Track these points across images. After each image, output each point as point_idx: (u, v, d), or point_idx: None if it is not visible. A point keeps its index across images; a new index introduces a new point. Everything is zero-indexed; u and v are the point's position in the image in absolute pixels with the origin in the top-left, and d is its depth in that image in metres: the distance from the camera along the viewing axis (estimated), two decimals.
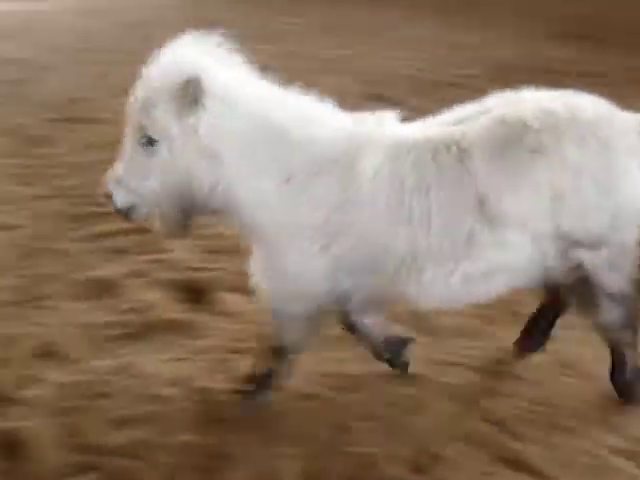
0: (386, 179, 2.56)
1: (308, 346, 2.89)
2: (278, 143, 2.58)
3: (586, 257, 2.65)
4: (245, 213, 2.63)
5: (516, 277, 2.68)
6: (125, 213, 2.61)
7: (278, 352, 2.81)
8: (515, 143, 2.55)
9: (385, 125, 2.70)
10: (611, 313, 2.77)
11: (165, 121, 2.45)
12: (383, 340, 3.01)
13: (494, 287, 2.70)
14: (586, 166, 2.56)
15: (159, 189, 2.52)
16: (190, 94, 2.42)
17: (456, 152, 2.55)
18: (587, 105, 2.68)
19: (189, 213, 2.62)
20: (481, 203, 2.53)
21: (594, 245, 2.64)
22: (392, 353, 3.03)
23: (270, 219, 2.60)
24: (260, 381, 2.86)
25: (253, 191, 2.57)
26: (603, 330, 2.86)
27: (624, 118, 2.71)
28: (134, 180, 2.52)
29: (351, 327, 3.00)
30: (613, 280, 2.71)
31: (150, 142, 2.48)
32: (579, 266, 2.67)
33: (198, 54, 2.52)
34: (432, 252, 2.57)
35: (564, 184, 2.54)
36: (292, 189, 2.58)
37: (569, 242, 2.61)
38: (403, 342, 3.04)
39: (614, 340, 2.85)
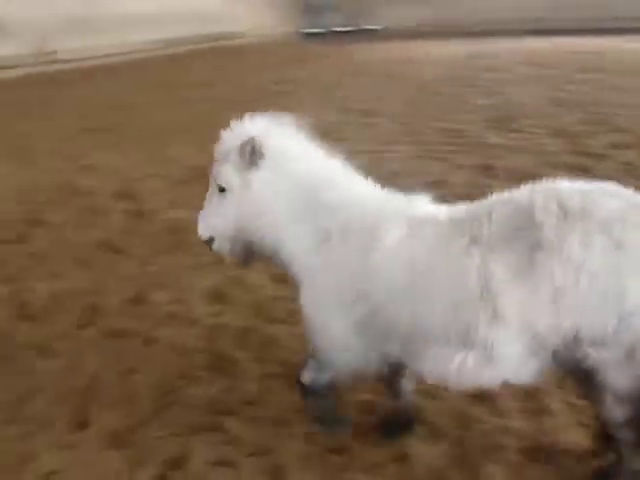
0: (401, 255, 2.62)
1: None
2: (318, 206, 2.77)
3: (592, 353, 2.45)
4: (289, 265, 2.88)
5: (514, 370, 2.54)
6: (206, 243, 2.98)
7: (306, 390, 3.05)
8: (519, 237, 2.45)
9: (414, 203, 2.75)
10: (614, 410, 2.56)
11: (229, 174, 2.82)
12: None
13: (492, 377, 2.57)
14: (588, 265, 2.36)
15: (225, 229, 2.88)
16: (247, 153, 2.74)
17: (467, 240, 2.52)
18: (607, 201, 2.41)
19: (250, 253, 2.97)
20: (483, 293, 2.47)
21: (600, 343, 2.42)
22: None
23: (308, 274, 2.80)
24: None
25: (296, 247, 2.81)
26: (606, 424, 2.68)
27: None
28: (212, 218, 2.90)
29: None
30: (619, 379, 2.47)
31: (222, 189, 2.85)
32: (585, 360, 2.47)
33: (264, 125, 2.84)
34: (434, 333, 2.58)
35: (564, 282, 2.37)
36: (327, 249, 2.74)
37: (573, 339, 2.43)
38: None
39: (615, 436, 2.65)
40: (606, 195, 2.45)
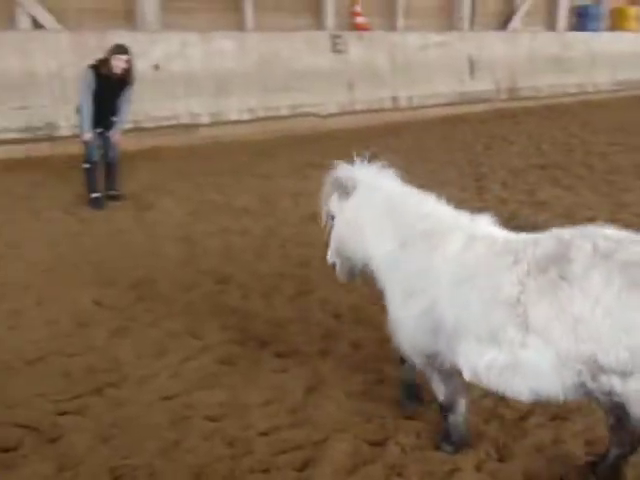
0: (455, 262, 3.01)
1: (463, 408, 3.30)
2: (399, 220, 3.28)
3: (616, 384, 2.60)
4: (375, 271, 3.38)
5: (538, 383, 2.75)
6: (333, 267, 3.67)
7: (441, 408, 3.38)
8: (554, 265, 2.71)
9: (478, 224, 3.15)
10: None
11: (333, 204, 3.50)
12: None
13: (518, 385, 2.80)
14: (605, 300, 2.57)
15: (335, 250, 3.55)
16: (344, 187, 3.41)
17: (512, 259, 2.84)
18: (635, 247, 2.64)
19: (352, 269, 3.57)
20: (515, 301, 2.75)
21: (621, 374, 2.58)
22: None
23: (387, 273, 3.30)
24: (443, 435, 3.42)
25: (379, 252, 3.32)
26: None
27: None
28: (331, 243, 3.58)
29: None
30: None
31: (332, 217, 3.53)
32: (611, 392, 2.62)
33: (357, 167, 3.47)
34: (470, 331, 2.89)
35: (582, 312, 2.60)
36: (401, 253, 3.22)
37: (594, 366, 2.61)
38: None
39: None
40: (638, 243, 2.67)
